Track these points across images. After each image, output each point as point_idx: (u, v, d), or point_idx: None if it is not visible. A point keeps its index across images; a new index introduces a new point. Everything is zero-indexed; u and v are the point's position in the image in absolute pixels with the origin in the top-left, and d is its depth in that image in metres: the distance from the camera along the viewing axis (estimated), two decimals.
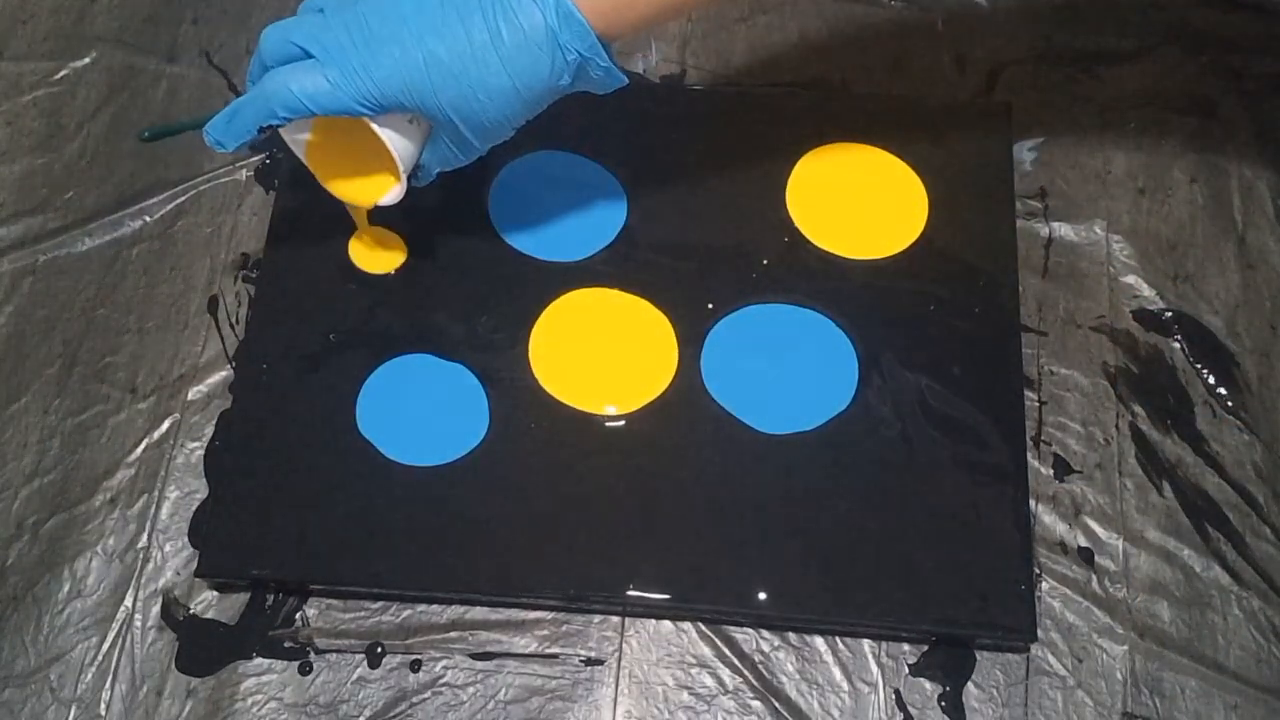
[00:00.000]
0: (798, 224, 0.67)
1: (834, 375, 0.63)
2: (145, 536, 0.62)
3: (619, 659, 0.60)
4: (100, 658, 0.60)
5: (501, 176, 0.68)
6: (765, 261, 0.66)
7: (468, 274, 0.66)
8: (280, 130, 0.56)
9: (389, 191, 0.59)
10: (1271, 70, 0.74)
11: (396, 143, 0.55)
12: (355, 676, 0.59)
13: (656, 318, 0.65)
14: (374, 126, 0.54)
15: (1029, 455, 0.63)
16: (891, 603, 0.59)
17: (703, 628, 0.60)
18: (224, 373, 0.66)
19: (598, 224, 0.67)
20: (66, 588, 0.61)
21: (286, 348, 0.64)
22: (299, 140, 0.59)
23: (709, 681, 0.59)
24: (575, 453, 0.62)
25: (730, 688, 0.59)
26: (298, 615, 0.61)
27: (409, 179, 0.58)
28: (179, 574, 0.61)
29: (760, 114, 0.71)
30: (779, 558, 0.59)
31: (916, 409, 0.63)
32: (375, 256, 0.66)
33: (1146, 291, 0.68)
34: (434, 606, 0.61)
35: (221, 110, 0.55)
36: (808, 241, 0.67)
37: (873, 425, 0.62)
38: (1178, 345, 0.67)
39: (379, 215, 0.63)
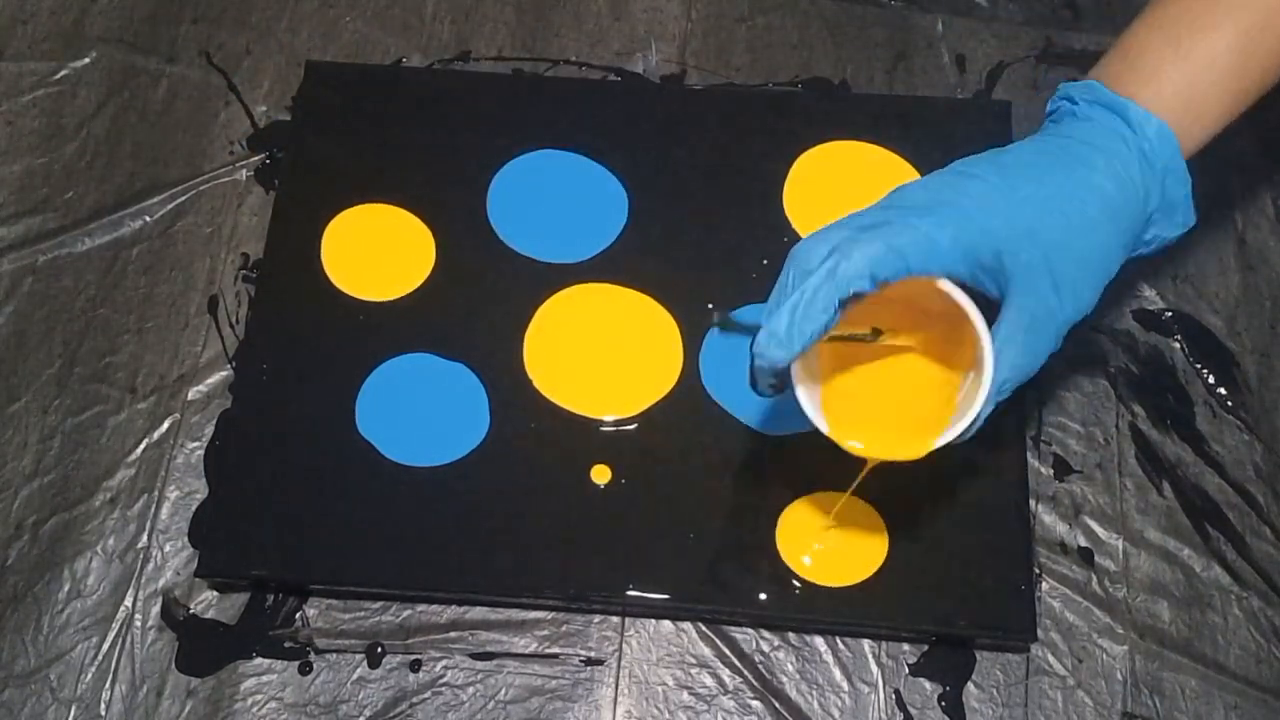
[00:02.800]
0: (796, 225, 0.67)
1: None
2: (145, 536, 0.62)
3: (619, 659, 0.60)
4: (100, 658, 0.60)
5: (500, 176, 0.68)
6: (765, 261, 0.66)
7: (467, 275, 0.66)
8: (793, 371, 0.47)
9: (941, 435, 0.48)
10: None
11: (983, 333, 0.46)
12: (355, 676, 0.59)
13: (661, 317, 0.65)
14: (964, 305, 0.46)
15: (1029, 455, 0.63)
16: (891, 602, 0.59)
17: (703, 628, 0.60)
18: (224, 373, 0.66)
19: (598, 224, 0.67)
20: (66, 588, 0.61)
21: (286, 348, 0.64)
22: (810, 392, 0.49)
23: (709, 681, 0.59)
24: (575, 452, 0.62)
25: (730, 688, 0.59)
26: (298, 615, 0.61)
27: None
28: (179, 574, 0.61)
29: (760, 114, 0.71)
30: (779, 558, 0.59)
31: None
32: None
33: (1146, 291, 0.68)
34: (434, 606, 0.61)
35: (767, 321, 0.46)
36: None
37: None
38: (1178, 345, 0.67)
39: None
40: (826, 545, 0.60)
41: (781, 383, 0.47)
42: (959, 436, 0.48)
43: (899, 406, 0.51)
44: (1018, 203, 0.47)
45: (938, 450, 0.49)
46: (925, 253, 0.46)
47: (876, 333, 0.50)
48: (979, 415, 0.48)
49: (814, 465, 0.61)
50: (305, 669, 0.59)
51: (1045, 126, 0.52)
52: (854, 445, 0.49)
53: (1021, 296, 0.47)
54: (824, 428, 0.49)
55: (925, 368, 0.51)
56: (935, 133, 0.69)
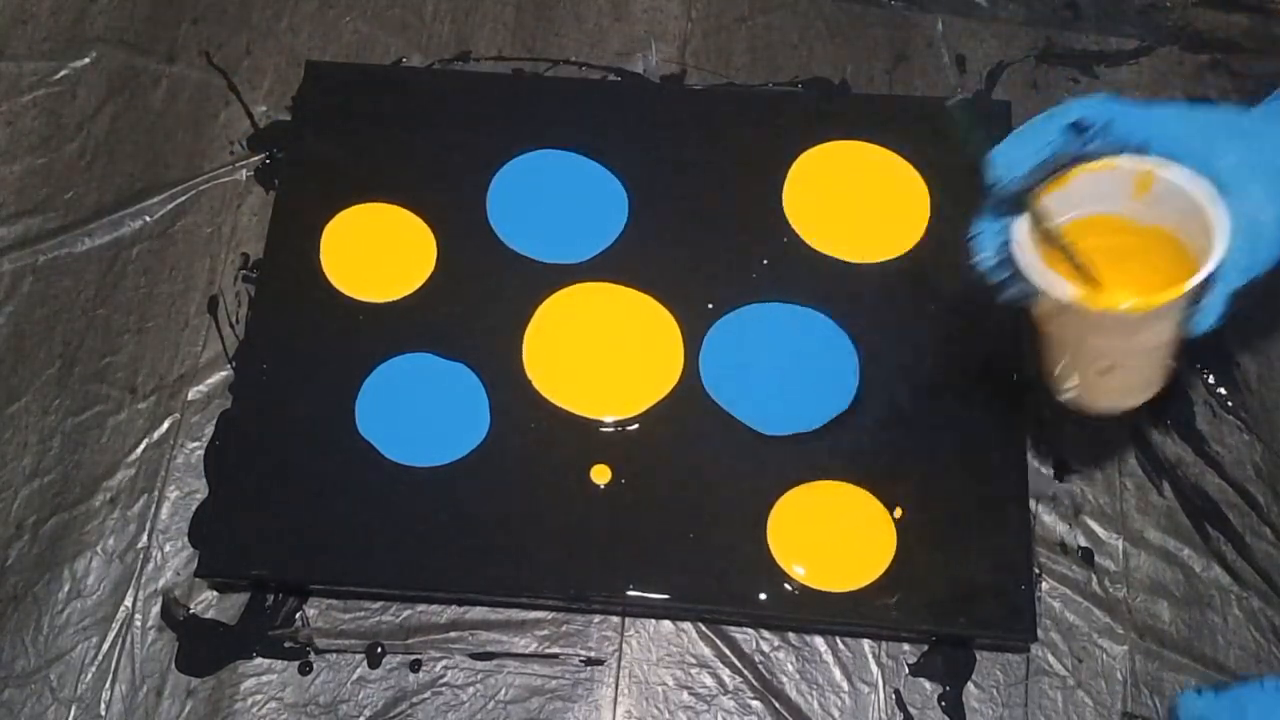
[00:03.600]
0: (796, 225, 0.67)
1: (834, 375, 0.63)
2: (145, 536, 0.62)
3: (619, 659, 0.60)
4: (100, 658, 0.60)
5: (500, 177, 0.68)
6: (765, 261, 0.66)
7: (467, 275, 0.66)
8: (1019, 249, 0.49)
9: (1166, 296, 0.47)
10: (1271, 70, 0.74)
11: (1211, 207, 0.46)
12: (355, 676, 0.59)
13: (661, 316, 0.65)
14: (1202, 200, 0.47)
15: (1029, 455, 0.63)
16: (891, 602, 0.59)
17: (703, 628, 0.60)
18: (224, 373, 0.66)
19: (598, 225, 0.67)
20: (66, 588, 0.61)
21: (286, 348, 0.64)
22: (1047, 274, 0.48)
23: (709, 681, 0.59)
24: (575, 452, 0.62)
25: (730, 688, 0.59)
26: (298, 615, 0.61)
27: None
28: (179, 574, 0.61)
29: (760, 114, 0.71)
30: (778, 557, 0.59)
31: (917, 409, 0.63)
32: None
33: None
34: (434, 606, 0.61)
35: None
36: (807, 243, 0.67)
37: (873, 426, 0.62)
38: None
39: None
40: (826, 549, 0.60)
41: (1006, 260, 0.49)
42: (1202, 303, 0.48)
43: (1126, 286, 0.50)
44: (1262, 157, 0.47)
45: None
46: (1145, 120, 0.47)
47: (1085, 274, 0.49)
48: (1218, 270, 0.47)
49: (814, 465, 0.61)
50: (305, 669, 0.59)
51: None
52: (1107, 300, 0.48)
53: (1239, 205, 0.47)
54: (1060, 289, 0.48)
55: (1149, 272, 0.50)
56: (935, 133, 0.69)
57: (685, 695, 0.59)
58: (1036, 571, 0.61)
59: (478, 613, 0.61)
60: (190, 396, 0.65)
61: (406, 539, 0.60)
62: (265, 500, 0.61)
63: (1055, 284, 0.48)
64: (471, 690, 0.59)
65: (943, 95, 0.72)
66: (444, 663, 0.60)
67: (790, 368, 0.64)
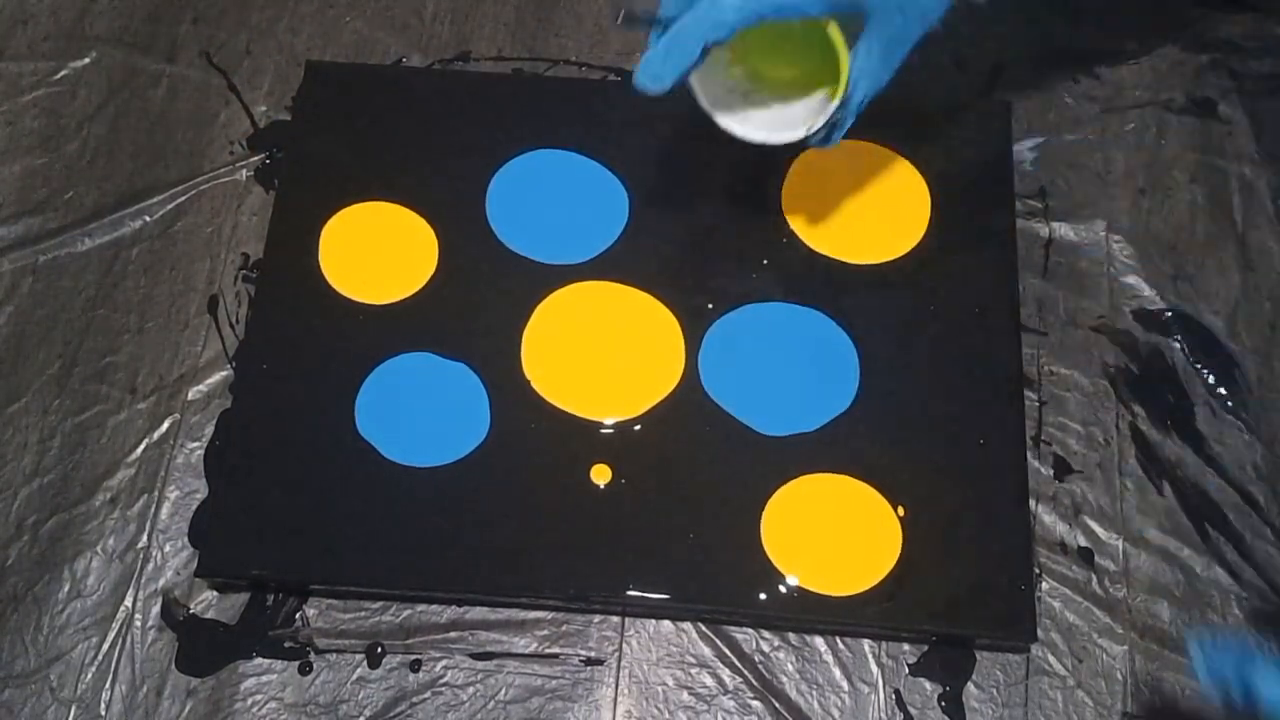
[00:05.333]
0: (796, 225, 0.67)
1: (834, 375, 0.63)
2: (145, 536, 0.62)
3: (619, 659, 0.60)
4: (100, 658, 0.60)
5: (499, 177, 0.68)
6: (765, 261, 0.66)
7: (467, 275, 0.66)
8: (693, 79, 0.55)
9: (800, 129, 0.57)
10: (1271, 70, 0.74)
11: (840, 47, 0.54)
12: (355, 676, 0.59)
13: (662, 316, 0.65)
14: (827, 27, 0.53)
15: (1029, 455, 0.63)
16: (891, 603, 0.59)
17: (703, 628, 0.60)
18: (224, 373, 0.66)
19: (598, 225, 0.67)
20: (66, 588, 0.61)
21: (286, 348, 0.64)
22: (711, 87, 0.57)
23: (709, 681, 0.59)
24: (575, 452, 0.62)
25: (730, 688, 0.59)
26: (298, 615, 0.61)
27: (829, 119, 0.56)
28: (179, 574, 0.62)
29: None
30: (778, 557, 0.59)
31: (917, 409, 0.63)
32: None
33: (1146, 291, 0.68)
34: (434, 606, 0.61)
35: (647, 21, 0.53)
36: (806, 243, 0.67)
37: (873, 426, 0.62)
38: (1178, 345, 0.67)
39: None
40: (828, 550, 0.60)
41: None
42: (817, 131, 0.56)
43: (779, 107, 0.59)
44: None
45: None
46: (785, 6, 0.51)
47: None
48: (836, 113, 0.56)
49: (814, 466, 0.61)
50: (305, 669, 0.59)
51: None
52: (735, 130, 0.58)
53: (876, 27, 0.54)
54: (718, 118, 0.57)
55: (806, 78, 0.59)
56: (935, 133, 0.69)
57: (685, 695, 0.59)
58: (1036, 571, 0.61)
59: (478, 613, 0.61)
60: (190, 396, 0.65)
61: (406, 539, 0.60)
62: (265, 500, 0.61)
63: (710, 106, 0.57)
64: (471, 690, 0.59)
65: (943, 95, 0.72)
66: (444, 663, 0.60)
67: (790, 368, 0.64)
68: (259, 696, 0.59)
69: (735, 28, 0.51)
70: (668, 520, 0.60)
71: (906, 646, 0.60)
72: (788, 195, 0.68)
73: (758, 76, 0.59)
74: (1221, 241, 0.69)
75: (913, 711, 0.59)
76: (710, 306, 0.65)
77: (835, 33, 0.54)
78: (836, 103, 0.55)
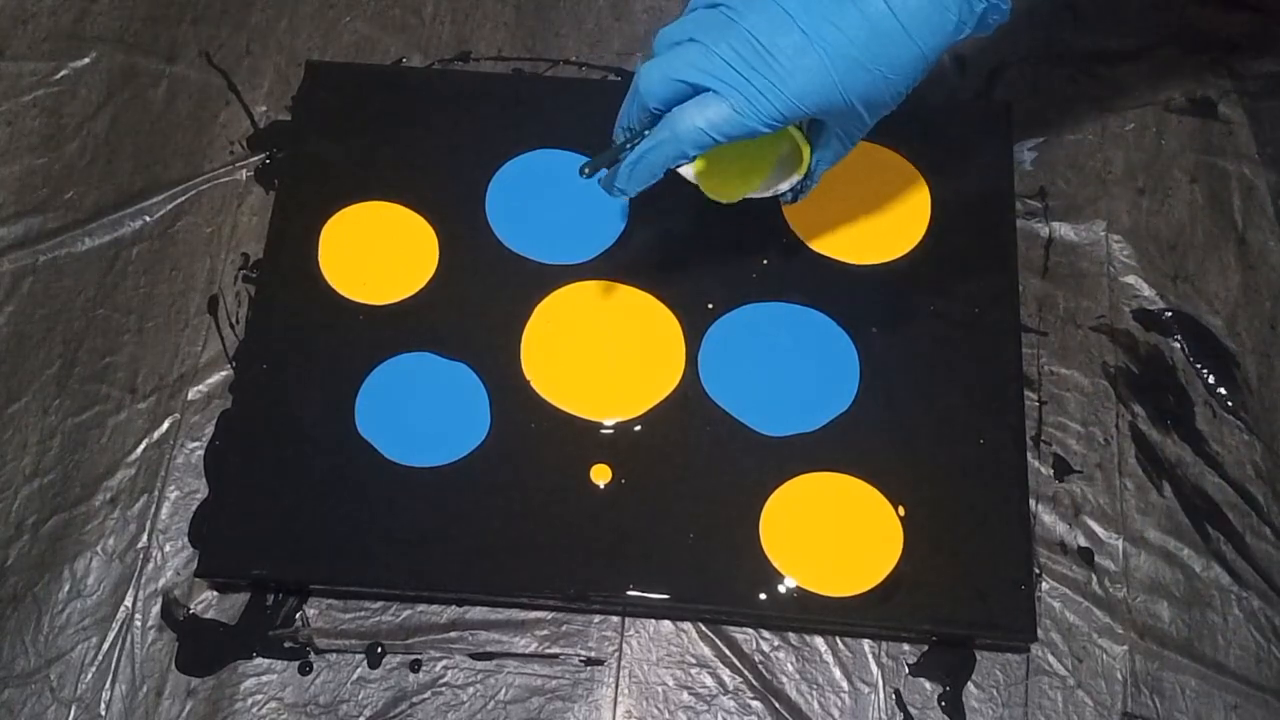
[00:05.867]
0: (795, 225, 0.67)
1: (834, 375, 0.63)
2: (145, 536, 0.62)
3: (619, 659, 0.60)
4: (100, 658, 0.60)
5: (499, 177, 0.68)
6: (765, 261, 0.66)
7: (467, 275, 0.66)
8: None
9: (772, 184, 0.60)
10: (1271, 70, 0.74)
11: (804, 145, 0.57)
12: (355, 676, 0.59)
13: (662, 316, 0.65)
14: (792, 130, 0.56)
15: (1029, 455, 0.63)
16: (891, 603, 0.59)
17: (703, 628, 0.60)
18: (224, 373, 0.66)
19: (598, 225, 0.67)
20: (66, 588, 0.61)
21: (286, 348, 0.64)
22: (685, 166, 0.58)
23: (709, 681, 0.59)
24: (575, 453, 0.62)
25: (730, 688, 0.59)
26: (298, 615, 0.61)
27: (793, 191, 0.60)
28: (179, 574, 0.62)
29: None
30: (778, 558, 0.59)
31: (917, 409, 0.63)
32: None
33: (1146, 291, 0.68)
34: (434, 606, 0.61)
35: (613, 161, 0.55)
36: (806, 243, 0.67)
37: (873, 426, 0.62)
38: (1178, 345, 0.67)
39: None
40: (828, 550, 0.60)
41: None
42: (783, 195, 0.60)
43: (750, 165, 0.61)
44: (835, 67, 0.50)
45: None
46: (742, 133, 0.52)
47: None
48: (799, 184, 0.60)
49: (814, 466, 0.61)
50: (305, 669, 0.59)
51: None
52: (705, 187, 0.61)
53: (836, 129, 0.55)
54: (690, 176, 0.59)
55: (772, 147, 0.60)
56: (935, 133, 0.70)
57: (685, 695, 0.59)
58: (1036, 571, 0.61)
59: (478, 613, 0.61)
60: (190, 396, 0.65)
61: (406, 539, 0.60)
62: (265, 500, 0.61)
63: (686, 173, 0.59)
64: (471, 690, 0.59)
65: (943, 95, 0.73)
66: (444, 663, 0.60)
67: (790, 368, 0.64)
68: (259, 696, 0.59)
69: (695, 156, 0.53)
70: (668, 520, 0.60)
71: (906, 646, 0.60)
72: None
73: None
74: (1221, 241, 0.69)
75: (913, 711, 0.59)
76: (710, 306, 0.65)
77: (796, 130, 0.57)
78: (799, 176, 0.59)
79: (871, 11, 0.50)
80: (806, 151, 0.57)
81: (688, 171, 0.59)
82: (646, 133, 0.54)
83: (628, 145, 0.55)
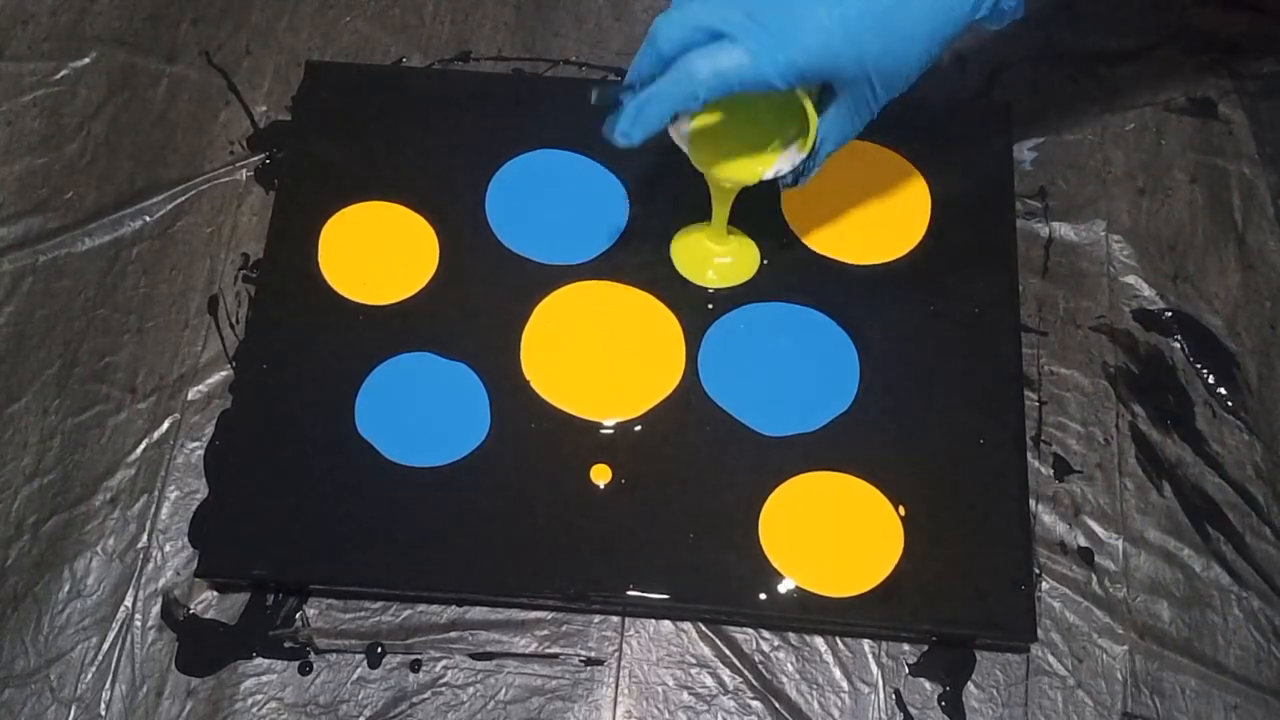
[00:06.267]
0: (795, 224, 0.67)
1: (834, 375, 0.63)
2: (145, 536, 0.62)
3: (619, 659, 0.60)
4: (100, 658, 0.60)
5: (499, 177, 0.68)
6: (765, 261, 0.66)
7: (467, 275, 0.66)
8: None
9: (774, 164, 0.58)
10: (1271, 70, 0.74)
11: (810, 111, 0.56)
12: (355, 676, 0.59)
13: (662, 316, 0.65)
14: (801, 96, 0.54)
15: (1029, 455, 0.63)
16: (891, 603, 0.59)
17: (703, 628, 0.60)
18: (224, 373, 0.66)
19: (598, 225, 0.67)
20: (66, 588, 0.61)
21: (286, 348, 0.64)
22: (683, 133, 0.59)
23: (709, 681, 0.59)
24: (575, 453, 0.62)
25: (730, 688, 0.59)
26: (298, 615, 0.61)
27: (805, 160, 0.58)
28: (179, 574, 0.61)
29: None
30: (778, 558, 0.59)
31: (917, 409, 0.63)
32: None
33: (1146, 291, 0.68)
34: (434, 606, 0.61)
35: (622, 107, 0.55)
36: (806, 243, 0.67)
37: (873, 426, 0.62)
38: (1178, 345, 0.67)
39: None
40: (829, 550, 0.60)
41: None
42: (784, 176, 0.59)
43: (748, 153, 0.60)
44: (845, 28, 0.51)
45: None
46: (755, 83, 0.51)
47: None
48: (803, 164, 0.58)
49: (814, 466, 0.61)
50: (305, 669, 0.59)
51: None
52: (707, 168, 0.60)
53: (846, 96, 0.55)
54: (689, 152, 0.59)
55: (776, 122, 0.60)
56: (935, 132, 0.70)
57: (685, 695, 0.59)
58: (1036, 571, 0.61)
59: (478, 613, 0.61)
60: (190, 396, 0.65)
61: (406, 539, 0.60)
62: (265, 500, 0.61)
63: (685, 148, 0.59)
64: (471, 690, 0.59)
65: (943, 95, 0.73)
66: (444, 663, 0.60)
67: (790, 368, 0.64)
68: (259, 696, 0.59)
69: (704, 100, 0.52)
70: (668, 520, 0.60)
71: (906, 646, 0.60)
72: (787, 195, 0.68)
73: (728, 116, 0.60)
74: (1221, 241, 0.69)
75: (913, 711, 0.59)
76: (710, 306, 0.65)
77: (805, 97, 0.55)
78: (804, 154, 0.57)
79: None
80: (813, 123, 0.56)
81: (684, 134, 0.58)
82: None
83: (638, 85, 0.54)
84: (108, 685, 0.59)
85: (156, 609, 0.61)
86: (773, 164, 0.58)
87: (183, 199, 0.70)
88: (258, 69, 0.74)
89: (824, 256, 0.66)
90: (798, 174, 0.59)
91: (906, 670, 0.60)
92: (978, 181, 0.68)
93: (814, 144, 0.57)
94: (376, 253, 0.67)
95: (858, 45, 0.51)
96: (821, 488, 0.61)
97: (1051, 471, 0.64)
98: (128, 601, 0.61)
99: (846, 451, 0.62)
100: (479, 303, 0.65)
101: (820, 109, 0.56)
